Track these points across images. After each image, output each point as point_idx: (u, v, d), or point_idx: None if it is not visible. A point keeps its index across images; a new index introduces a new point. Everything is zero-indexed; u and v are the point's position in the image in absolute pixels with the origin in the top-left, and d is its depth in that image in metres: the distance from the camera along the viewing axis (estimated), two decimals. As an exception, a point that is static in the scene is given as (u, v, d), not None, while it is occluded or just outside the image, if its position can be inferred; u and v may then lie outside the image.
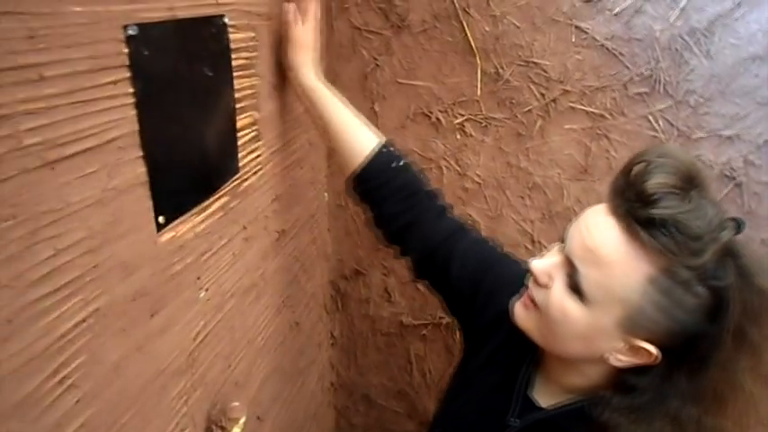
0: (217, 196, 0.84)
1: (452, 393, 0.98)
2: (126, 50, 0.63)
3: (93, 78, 0.59)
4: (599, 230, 0.69)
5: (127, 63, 0.63)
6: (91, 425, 0.62)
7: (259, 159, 0.98)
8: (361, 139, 0.98)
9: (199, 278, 0.82)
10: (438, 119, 1.29)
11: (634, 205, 0.66)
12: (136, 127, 0.65)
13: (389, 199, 0.97)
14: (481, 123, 1.27)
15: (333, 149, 1.02)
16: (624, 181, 0.68)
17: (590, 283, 0.69)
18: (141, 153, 0.67)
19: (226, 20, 0.83)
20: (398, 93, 1.30)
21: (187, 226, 0.77)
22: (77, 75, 0.56)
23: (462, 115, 1.28)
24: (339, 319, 1.54)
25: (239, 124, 0.90)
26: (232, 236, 0.90)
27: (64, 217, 0.56)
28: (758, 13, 1.10)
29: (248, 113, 0.92)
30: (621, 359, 0.71)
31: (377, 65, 1.28)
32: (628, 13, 1.14)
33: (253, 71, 0.92)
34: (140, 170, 0.67)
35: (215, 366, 0.88)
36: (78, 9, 0.56)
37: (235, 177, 0.89)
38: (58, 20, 0.54)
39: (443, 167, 1.33)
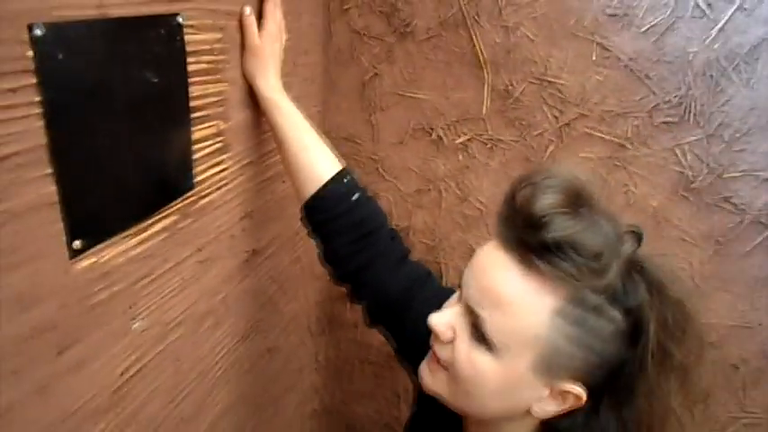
0: (159, 216, 0.75)
1: None
2: (30, 54, 0.54)
3: (-19, 86, 0.51)
4: (493, 269, 0.62)
5: (32, 68, 0.54)
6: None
7: (224, 174, 0.89)
8: (316, 162, 0.88)
9: (131, 307, 0.73)
10: (439, 136, 1.18)
11: (524, 233, 0.59)
12: (43, 140, 0.57)
13: (342, 236, 0.86)
14: (486, 144, 1.15)
15: (287, 171, 0.92)
16: (510, 209, 0.63)
17: (495, 329, 0.61)
18: (50, 170, 0.58)
19: (180, 20, 0.74)
20: (398, 105, 1.19)
21: (116, 250, 0.69)
22: (-45, 81, 0.48)
23: (466, 134, 1.16)
24: (326, 343, 1.44)
25: (197, 135, 0.81)
26: (181, 259, 0.81)
27: (-71, 246, 0.49)
28: (810, 38, 0.96)
29: (211, 123, 0.83)
30: (548, 409, 0.64)
31: (376, 73, 1.18)
32: (658, 31, 1.01)
33: (218, 76, 0.83)
34: (47, 189, 0.58)
35: (152, 402, 0.80)
36: (-40, 5, 0.48)
37: (188, 195, 0.81)
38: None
39: (442, 190, 1.21)
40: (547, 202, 0.59)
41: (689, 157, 1.06)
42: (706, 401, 0.66)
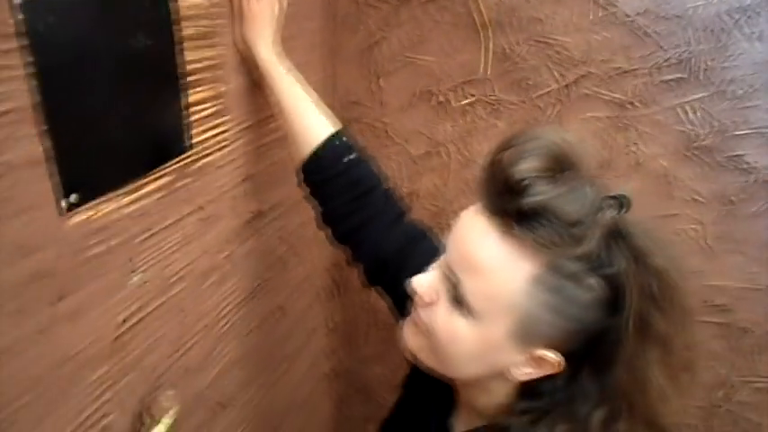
0: (155, 176, 0.79)
1: (397, 402, 0.91)
2: (20, 17, 0.58)
3: (-30, 48, 0.54)
4: (473, 233, 0.61)
5: (23, 30, 0.58)
6: (-31, 408, 0.60)
7: (224, 136, 0.92)
8: (312, 124, 0.90)
9: (130, 260, 0.78)
10: (446, 98, 1.18)
11: (503, 198, 0.58)
12: (36, 99, 0.61)
13: (339, 196, 0.88)
14: (492, 105, 1.15)
15: (286, 134, 0.94)
16: (491, 172, 0.61)
17: (473, 293, 0.61)
18: (43, 128, 0.62)
19: (171, -16, 0.76)
20: (404, 68, 1.19)
21: (111, 206, 0.73)
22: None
23: (472, 95, 1.16)
24: (339, 305, 1.48)
25: (194, 98, 0.84)
26: (181, 216, 0.85)
27: (-75, 195, 0.53)
28: (825, -12, 0.91)
29: (208, 86, 0.86)
30: (525, 372, 0.64)
31: (382, 37, 1.18)
32: (663, -15, 0.98)
33: (215, 40, 0.86)
34: (42, 146, 0.62)
35: (155, 351, 0.84)
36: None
37: (185, 155, 0.84)
38: None
39: (451, 152, 1.22)
40: (526, 165, 0.57)
41: (697, 115, 1.03)
42: (692, 370, 0.64)
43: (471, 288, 0.61)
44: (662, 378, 0.61)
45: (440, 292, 0.66)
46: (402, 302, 0.86)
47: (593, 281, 0.58)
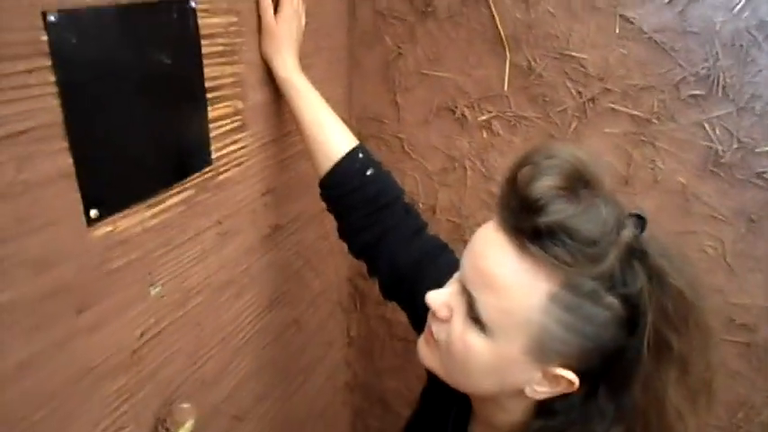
0: (176, 190, 0.80)
1: (415, 414, 0.91)
2: (45, 38, 0.60)
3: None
4: (489, 250, 0.61)
5: (47, 51, 0.60)
6: (-12, 420, 0.61)
7: (243, 151, 0.93)
8: (332, 139, 0.91)
9: (150, 274, 0.79)
10: (463, 114, 1.18)
11: (520, 216, 0.58)
12: (59, 117, 0.62)
13: (356, 210, 0.89)
14: (510, 122, 1.15)
15: (306, 149, 0.95)
16: (509, 189, 0.60)
17: (488, 310, 0.61)
18: (66, 144, 0.64)
19: (193, 4, 0.78)
20: (422, 84, 1.20)
21: (132, 220, 0.74)
22: (-26, 63, 0.54)
23: (490, 111, 1.16)
24: (357, 319, 1.48)
25: (214, 114, 0.85)
26: (200, 230, 0.86)
27: (-48, 210, 0.55)
28: None
29: (228, 103, 0.88)
30: (541, 390, 0.63)
31: (400, 53, 1.19)
32: (682, 2, 0.98)
33: (234, 58, 0.87)
34: (64, 162, 0.64)
35: (172, 364, 0.85)
36: (-23, -5, 0.53)
37: (205, 170, 0.85)
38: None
39: (468, 168, 1.22)
40: (544, 183, 0.57)
41: (718, 132, 1.02)
42: (711, 391, 0.62)
43: (487, 305, 0.61)
44: (679, 399, 0.60)
45: (455, 308, 0.65)
46: (419, 317, 0.85)
47: (610, 300, 0.57)
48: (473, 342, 0.63)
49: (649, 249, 0.58)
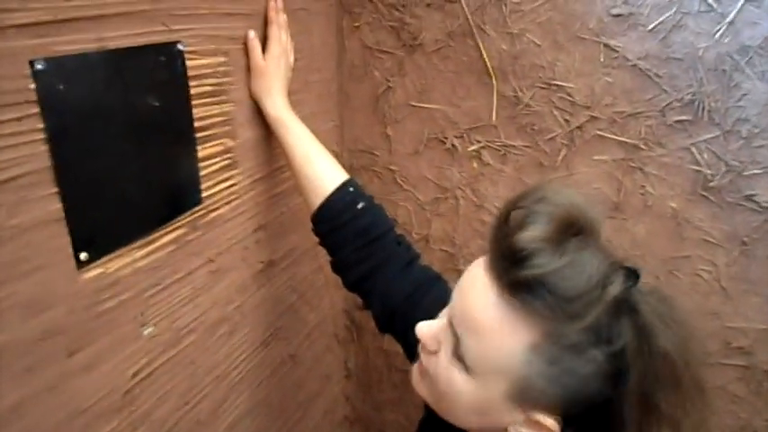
0: (166, 230, 0.81)
1: None
2: (32, 86, 0.61)
3: (-13, 116, 0.57)
4: (474, 291, 0.61)
5: (34, 98, 0.61)
6: (-21, 467, 0.61)
7: (234, 189, 0.94)
8: (322, 174, 0.91)
9: (142, 314, 0.79)
10: (453, 145, 1.19)
11: (504, 264, 0.57)
12: (48, 163, 0.63)
13: (348, 244, 0.89)
14: (499, 151, 1.16)
15: (296, 185, 0.96)
16: (497, 233, 0.59)
17: (470, 352, 0.60)
18: (55, 189, 0.64)
19: (180, 47, 0.79)
20: (412, 116, 1.21)
21: (123, 261, 0.75)
22: (-37, 113, 0.55)
23: (479, 141, 1.17)
24: (354, 351, 1.47)
25: (203, 153, 0.86)
26: (191, 269, 0.87)
27: (-57, 258, 0.55)
28: (827, 27, 0.92)
29: (217, 142, 0.89)
30: None
31: (389, 86, 1.21)
32: (665, 29, 0.99)
33: (223, 98, 0.89)
34: (53, 207, 0.65)
35: (165, 404, 0.85)
36: (-35, 47, 0.55)
37: (196, 209, 0.86)
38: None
39: (459, 197, 1.23)
40: (530, 234, 0.55)
41: (706, 156, 1.03)
42: None
43: (470, 347, 0.60)
44: None
45: (443, 341, 0.65)
46: (412, 349, 0.84)
47: (595, 353, 0.55)
48: (456, 380, 0.62)
49: (640, 305, 0.56)
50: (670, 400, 0.56)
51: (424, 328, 0.67)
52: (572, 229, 0.57)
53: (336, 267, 0.94)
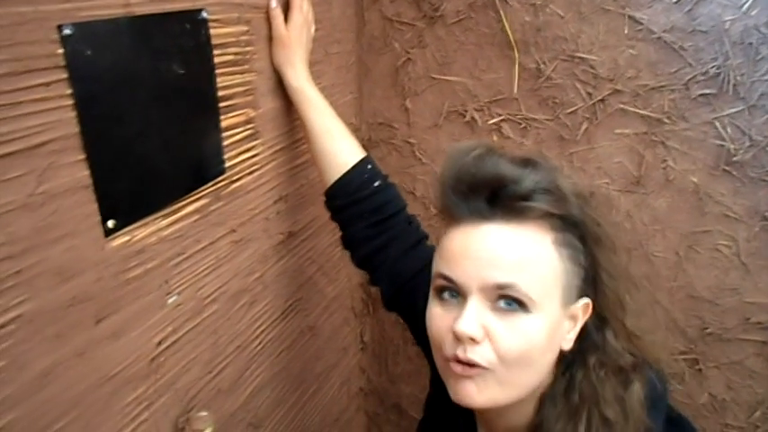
0: (190, 199, 0.81)
1: (421, 423, 0.90)
2: (60, 51, 0.60)
3: (16, 81, 0.57)
4: (489, 242, 0.64)
5: (62, 64, 0.61)
6: (12, 429, 0.61)
7: (255, 159, 0.94)
8: (341, 149, 0.91)
9: (166, 282, 0.79)
10: (473, 118, 1.18)
11: (492, 199, 0.64)
12: (76, 129, 0.63)
13: (360, 221, 0.89)
14: (520, 124, 1.15)
15: (313, 158, 0.96)
16: (466, 183, 0.65)
17: (527, 283, 0.63)
18: (83, 156, 0.64)
19: (205, 14, 0.79)
20: (431, 89, 1.20)
21: (149, 230, 0.75)
22: (-6, 78, 0.55)
23: (499, 115, 1.16)
24: (371, 324, 1.48)
25: (227, 123, 0.86)
26: (214, 239, 0.87)
27: (-25, 222, 0.55)
28: None
29: (240, 111, 0.88)
30: (570, 336, 0.69)
31: (409, 58, 1.20)
32: (691, 1, 0.98)
33: (246, 67, 0.88)
34: (81, 174, 0.65)
35: (189, 372, 0.86)
36: (-6, 11, 0.54)
37: (219, 179, 0.86)
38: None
39: (478, 171, 1.22)
40: (501, 161, 0.65)
41: (729, 130, 1.02)
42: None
43: (523, 284, 0.62)
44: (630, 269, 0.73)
45: (484, 323, 0.63)
46: (418, 329, 0.82)
47: (573, 225, 0.67)
48: (525, 327, 0.63)
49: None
50: (601, 229, 0.69)
51: (468, 325, 0.62)
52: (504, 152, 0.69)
53: (347, 242, 0.94)
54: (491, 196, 0.64)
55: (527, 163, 0.66)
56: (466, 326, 0.62)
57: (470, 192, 0.65)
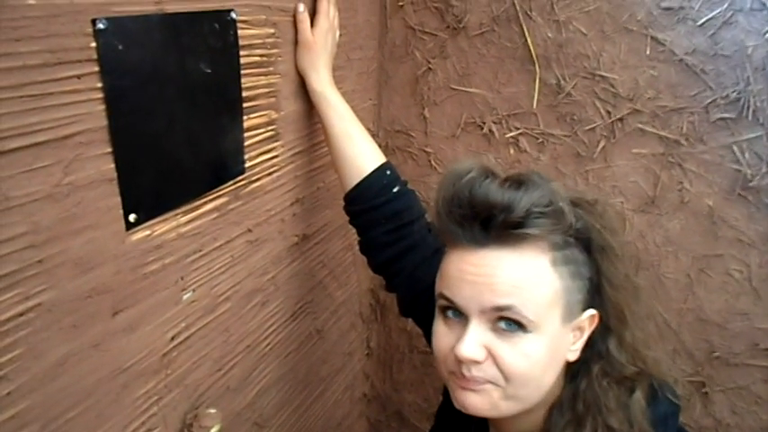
0: (210, 197, 0.82)
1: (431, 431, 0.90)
2: (93, 44, 0.61)
3: (49, 73, 0.57)
4: (487, 267, 0.64)
5: (95, 57, 0.62)
6: (25, 417, 0.62)
7: (275, 161, 0.95)
8: (360, 154, 0.92)
9: (182, 278, 0.80)
10: (491, 130, 1.19)
11: (492, 219, 0.64)
12: (104, 122, 0.64)
13: (379, 226, 0.90)
14: (537, 139, 1.16)
15: (333, 162, 0.96)
16: (463, 209, 0.65)
17: (526, 305, 0.63)
18: (109, 149, 0.65)
19: (233, 15, 0.80)
20: (451, 99, 1.21)
21: (168, 225, 0.76)
22: (27, 69, 0.55)
23: (517, 128, 1.17)
24: (377, 330, 1.48)
25: (249, 123, 0.87)
26: (231, 238, 0.88)
27: (2, 210, 0.56)
28: None
29: (262, 113, 0.89)
30: (577, 348, 0.70)
31: (429, 68, 1.20)
32: (714, 25, 0.98)
33: (270, 69, 0.89)
34: (107, 167, 0.65)
35: (199, 369, 0.86)
36: (32, 2, 0.55)
37: (239, 178, 0.87)
38: (6, 13, 0.53)
39: (493, 183, 1.22)
40: (492, 186, 0.64)
41: (747, 155, 1.02)
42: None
43: (524, 302, 0.63)
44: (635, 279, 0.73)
45: (485, 342, 0.64)
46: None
47: (572, 239, 0.67)
48: (527, 348, 0.64)
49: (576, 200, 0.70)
50: (615, 238, 0.70)
51: (469, 349, 0.64)
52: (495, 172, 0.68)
53: (365, 248, 0.95)
54: (485, 223, 0.64)
55: (520, 184, 0.65)
56: (467, 350, 0.64)
57: (464, 219, 0.66)
